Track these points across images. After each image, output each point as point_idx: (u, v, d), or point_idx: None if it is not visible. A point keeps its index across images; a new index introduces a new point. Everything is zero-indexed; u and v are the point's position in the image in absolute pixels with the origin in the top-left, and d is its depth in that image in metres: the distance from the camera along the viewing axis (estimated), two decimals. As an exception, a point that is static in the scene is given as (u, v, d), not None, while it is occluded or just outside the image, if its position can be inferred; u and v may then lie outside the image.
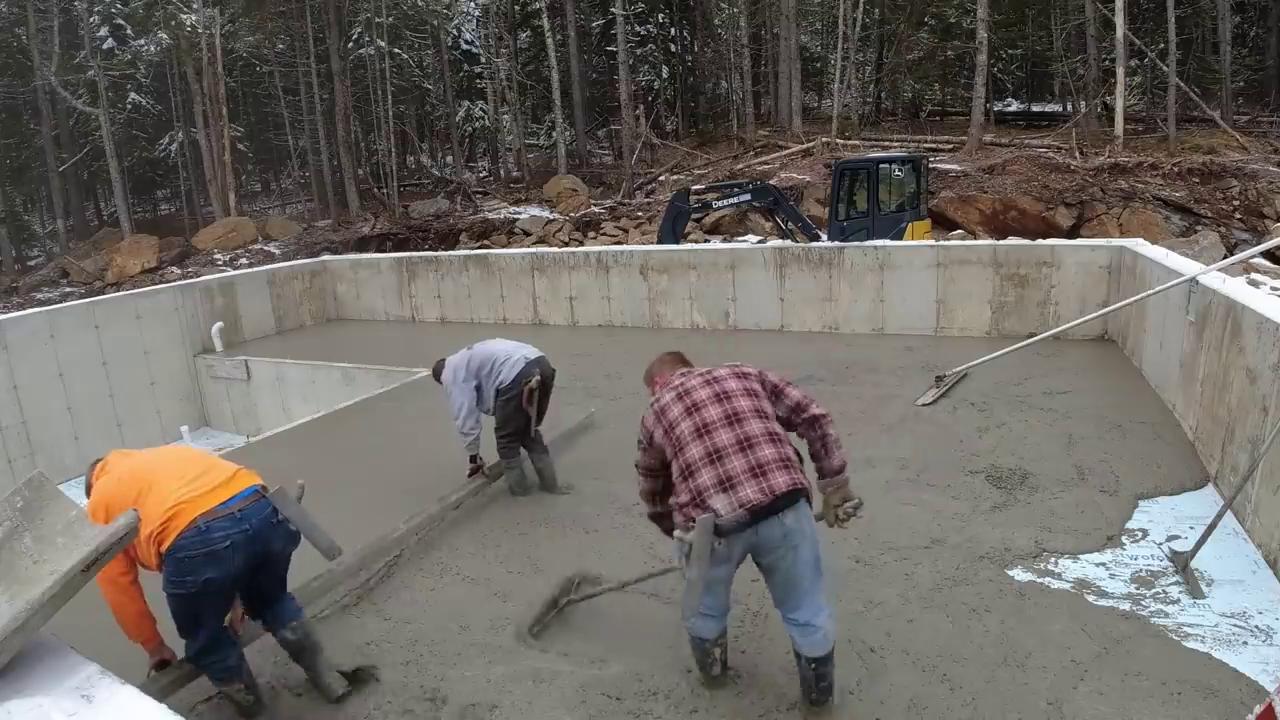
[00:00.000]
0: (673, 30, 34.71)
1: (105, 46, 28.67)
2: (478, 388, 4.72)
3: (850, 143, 25.44)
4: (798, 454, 2.67)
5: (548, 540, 4.34)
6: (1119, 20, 20.82)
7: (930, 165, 17.07)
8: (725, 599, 2.72)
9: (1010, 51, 32.76)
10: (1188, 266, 5.48)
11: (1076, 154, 21.63)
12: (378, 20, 28.71)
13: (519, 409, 4.67)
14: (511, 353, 4.74)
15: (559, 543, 4.30)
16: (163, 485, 2.73)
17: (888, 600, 3.48)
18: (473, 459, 4.92)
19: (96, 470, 2.97)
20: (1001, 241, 9.38)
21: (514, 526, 4.54)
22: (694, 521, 2.46)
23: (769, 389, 2.76)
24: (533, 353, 4.78)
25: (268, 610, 3.07)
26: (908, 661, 3.06)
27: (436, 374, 4.98)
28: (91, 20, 28.29)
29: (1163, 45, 23.66)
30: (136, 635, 2.88)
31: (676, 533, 2.59)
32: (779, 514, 2.47)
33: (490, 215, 26.14)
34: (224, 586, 2.73)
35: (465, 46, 34.47)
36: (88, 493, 2.90)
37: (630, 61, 29.41)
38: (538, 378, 4.68)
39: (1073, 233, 17.50)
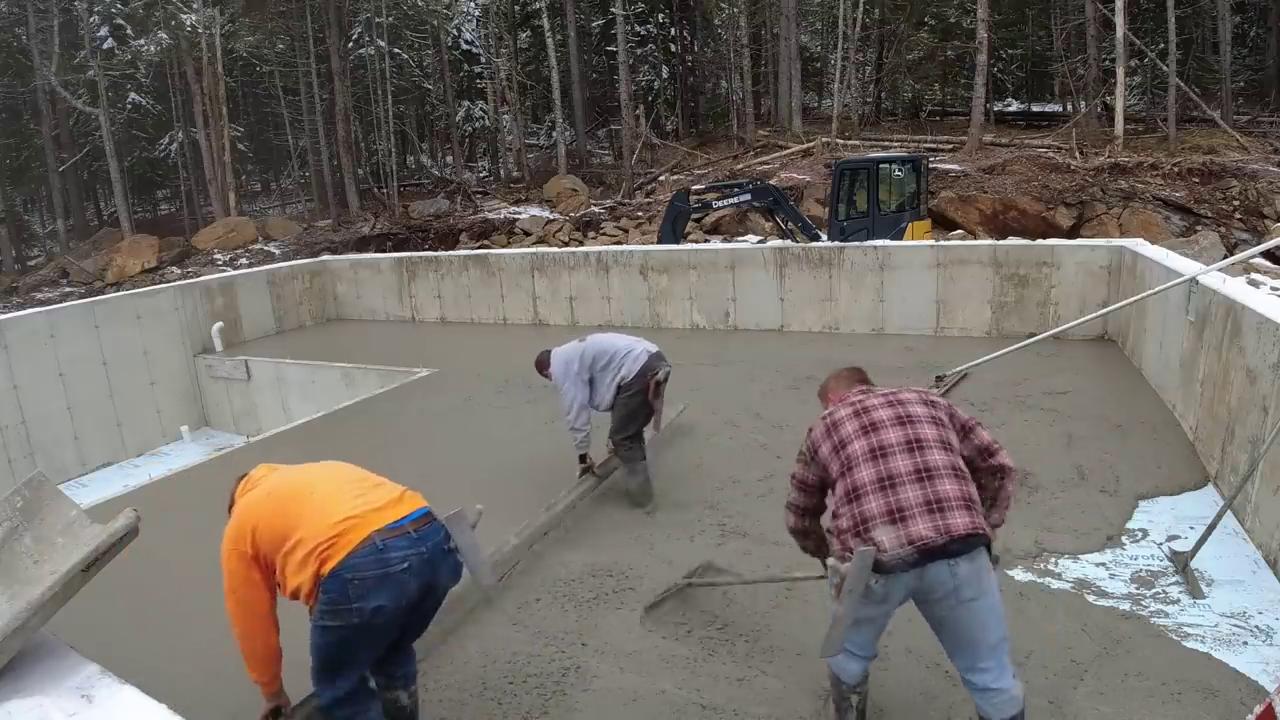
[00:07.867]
0: (673, 30, 34.67)
1: (105, 46, 28.62)
2: (590, 381, 4.43)
3: (850, 143, 25.44)
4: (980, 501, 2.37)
5: (548, 538, 4.33)
6: (1119, 20, 20.81)
7: (930, 165, 17.06)
8: (875, 642, 2.47)
9: (1010, 51, 32.77)
10: (1188, 266, 5.48)
11: (1076, 154, 21.63)
12: (378, 20, 28.70)
13: (644, 404, 4.40)
14: (632, 346, 4.48)
15: (561, 542, 4.29)
16: (327, 499, 2.35)
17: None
18: (582, 458, 4.67)
19: (241, 486, 2.55)
20: (1001, 241, 9.37)
21: (517, 524, 4.53)
22: (851, 552, 2.20)
23: (957, 424, 2.48)
24: (652, 346, 4.53)
25: (395, 664, 2.59)
26: (910, 659, 3.07)
27: (540, 365, 4.67)
28: (91, 20, 28.26)
29: (1163, 45, 23.66)
30: (262, 674, 2.45)
31: (830, 561, 2.27)
32: (951, 559, 2.16)
33: (490, 215, 26.14)
34: (392, 619, 2.31)
35: (465, 46, 34.42)
36: (230, 511, 2.49)
37: (630, 61, 29.40)
38: (666, 369, 4.45)
39: (1073, 233, 17.49)
